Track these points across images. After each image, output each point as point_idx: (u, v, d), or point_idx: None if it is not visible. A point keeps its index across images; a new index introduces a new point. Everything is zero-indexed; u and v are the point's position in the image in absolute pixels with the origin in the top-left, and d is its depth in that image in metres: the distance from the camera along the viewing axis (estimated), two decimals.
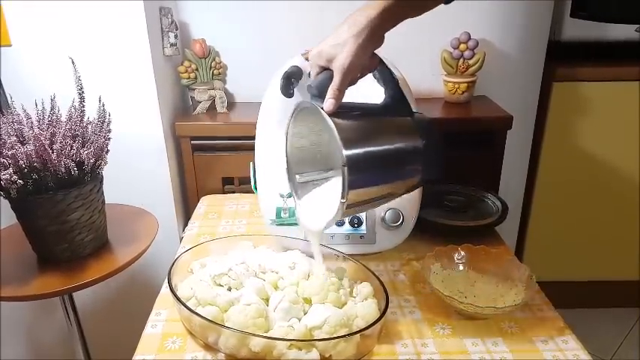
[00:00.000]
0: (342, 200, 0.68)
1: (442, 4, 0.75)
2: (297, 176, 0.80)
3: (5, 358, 1.44)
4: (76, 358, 1.15)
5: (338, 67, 0.68)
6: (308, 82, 0.71)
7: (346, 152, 0.65)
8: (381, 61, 0.75)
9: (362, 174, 0.68)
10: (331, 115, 0.68)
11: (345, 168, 0.65)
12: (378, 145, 0.71)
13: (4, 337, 1.42)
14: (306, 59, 0.98)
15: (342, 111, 0.69)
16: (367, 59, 0.71)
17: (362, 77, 0.74)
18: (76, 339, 1.12)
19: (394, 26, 0.71)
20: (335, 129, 0.66)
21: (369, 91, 0.77)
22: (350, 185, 0.66)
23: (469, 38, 1.34)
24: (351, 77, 0.70)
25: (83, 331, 1.12)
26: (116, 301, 1.42)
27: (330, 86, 0.68)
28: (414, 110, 0.77)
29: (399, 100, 0.76)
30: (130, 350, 0.75)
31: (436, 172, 0.76)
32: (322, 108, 0.68)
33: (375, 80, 0.78)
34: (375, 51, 0.82)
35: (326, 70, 0.71)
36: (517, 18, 1.41)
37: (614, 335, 1.74)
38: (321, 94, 0.69)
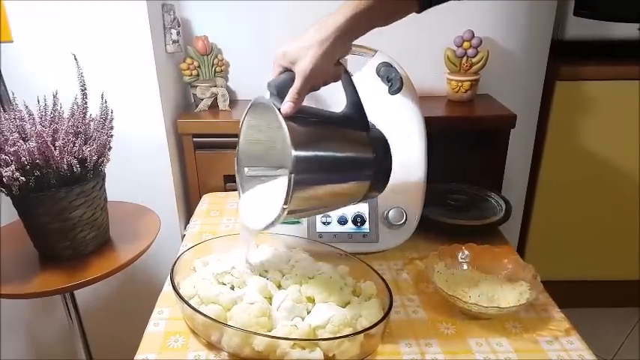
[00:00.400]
0: (285, 206, 0.68)
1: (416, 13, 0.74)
2: (246, 169, 0.80)
3: (6, 357, 1.44)
4: (77, 356, 1.14)
5: (300, 72, 0.68)
6: (270, 81, 0.71)
7: (295, 154, 0.65)
8: (345, 70, 0.74)
9: (308, 181, 0.69)
10: (287, 117, 0.67)
11: (292, 175, 0.66)
12: (328, 154, 0.71)
13: (4, 335, 1.41)
14: None
15: (299, 115, 0.69)
16: (331, 67, 0.71)
17: (325, 85, 0.73)
18: (77, 337, 1.11)
19: (361, 35, 0.70)
20: (288, 133, 0.66)
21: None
22: (294, 191, 0.66)
23: (473, 36, 1.33)
24: (312, 83, 0.69)
25: (84, 330, 1.12)
26: (117, 299, 1.42)
27: (290, 89, 0.68)
28: (370, 125, 0.77)
29: (358, 111, 0.75)
30: (132, 349, 0.75)
31: (382, 187, 0.78)
32: (279, 109, 0.68)
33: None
34: (380, 47, 0.82)
35: (288, 71, 0.70)
36: (520, 16, 1.40)
37: (616, 335, 1.74)
38: (280, 94, 0.69)
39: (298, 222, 0.97)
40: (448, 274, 0.88)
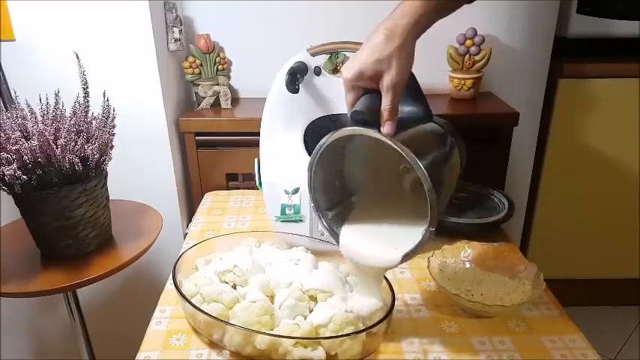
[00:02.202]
0: (432, 229, 0.64)
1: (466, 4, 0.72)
2: (329, 213, 0.75)
3: (7, 356, 1.44)
4: (79, 355, 1.14)
5: (390, 86, 0.62)
6: (355, 107, 0.64)
7: (428, 174, 0.60)
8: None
9: (439, 190, 0.63)
10: (392, 137, 0.62)
11: (434, 192, 0.60)
12: (437, 154, 0.68)
13: (6, 333, 1.42)
14: (312, 55, 0.97)
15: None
16: (411, 68, 0.66)
17: None
18: (79, 336, 1.11)
19: (426, 30, 0.67)
20: (412, 154, 0.60)
21: None
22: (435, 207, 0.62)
23: (475, 34, 1.33)
24: (401, 92, 0.64)
25: (86, 328, 1.12)
26: (119, 297, 1.42)
27: (384, 107, 0.63)
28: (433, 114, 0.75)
29: (424, 103, 0.74)
30: (134, 347, 0.75)
31: (465, 161, 0.77)
32: (378, 132, 0.63)
33: None
34: None
35: (368, 91, 0.65)
36: (523, 14, 1.40)
37: (619, 333, 1.73)
38: (374, 119, 0.63)
39: (301, 220, 0.96)
40: (451, 272, 0.87)
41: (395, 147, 0.62)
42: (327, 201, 0.75)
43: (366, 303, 0.74)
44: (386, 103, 0.63)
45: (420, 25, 0.64)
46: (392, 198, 0.77)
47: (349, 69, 0.64)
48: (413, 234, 0.67)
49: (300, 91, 0.95)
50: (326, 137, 0.67)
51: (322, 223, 0.75)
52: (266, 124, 0.99)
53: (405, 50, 0.63)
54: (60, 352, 1.47)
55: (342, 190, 0.78)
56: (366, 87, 0.65)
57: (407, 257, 0.68)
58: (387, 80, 0.63)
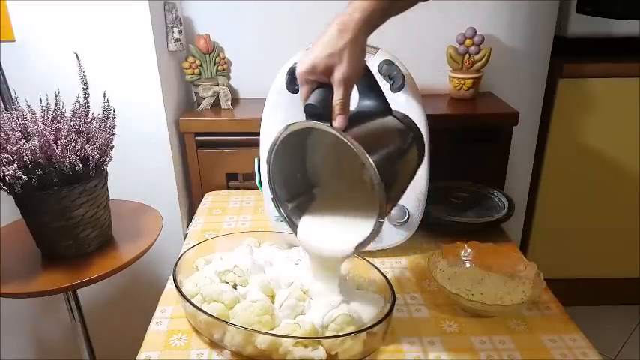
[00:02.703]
0: (381, 221, 0.65)
1: (420, 2, 0.72)
2: (289, 204, 0.76)
3: (8, 356, 1.44)
4: (80, 355, 1.14)
5: (341, 80, 0.63)
6: (308, 100, 0.64)
7: (378, 168, 0.61)
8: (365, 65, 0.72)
9: (390, 183, 0.64)
10: (344, 131, 0.62)
11: (382, 186, 0.61)
12: (390, 149, 0.69)
13: (6, 333, 1.42)
14: None
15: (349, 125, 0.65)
16: (364, 62, 0.67)
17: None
18: (79, 336, 1.12)
19: (379, 27, 0.68)
20: (361, 148, 0.61)
21: None
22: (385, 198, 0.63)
23: (475, 34, 1.33)
24: (353, 86, 0.65)
25: (87, 328, 1.12)
26: (120, 297, 1.42)
27: (337, 101, 0.63)
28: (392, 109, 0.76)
29: (382, 98, 0.74)
30: (135, 347, 0.75)
31: (423, 156, 0.77)
32: (330, 126, 0.63)
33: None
34: (382, 45, 0.81)
35: (320, 84, 0.65)
36: (523, 14, 1.40)
37: (619, 333, 1.74)
38: (326, 112, 0.63)
39: None
40: (451, 271, 0.87)
41: (345, 141, 0.62)
42: (288, 192, 0.76)
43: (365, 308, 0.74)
44: (337, 97, 0.63)
45: (372, 20, 0.65)
46: (353, 190, 0.77)
47: (302, 63, 0.64)
48: (367, 225, 0.68)
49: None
50: (279, 131, 0.68)
51: (280, 213, 0.76)
52: (266, 124, 0.99)
53: (357, 44, 0.63)
54: (60, 352, 1.48)
55: (304, 181, 0.78)
56: (319, 81, 0.65)
57: (359, 248, 0.69)
58: (338, 74, 0.63)
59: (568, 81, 1.51)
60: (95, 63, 1.11)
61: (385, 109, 0.74)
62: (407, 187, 0.74)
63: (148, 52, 1.17)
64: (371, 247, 0.96)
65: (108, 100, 0.98)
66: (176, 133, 1.31)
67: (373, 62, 0.96)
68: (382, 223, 0.65)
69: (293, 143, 0.70)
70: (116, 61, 1.17)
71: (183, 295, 0.75)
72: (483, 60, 1.35)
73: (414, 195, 0.95)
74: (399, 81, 0.90)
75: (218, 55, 1.34)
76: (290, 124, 0.66)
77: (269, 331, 0.69)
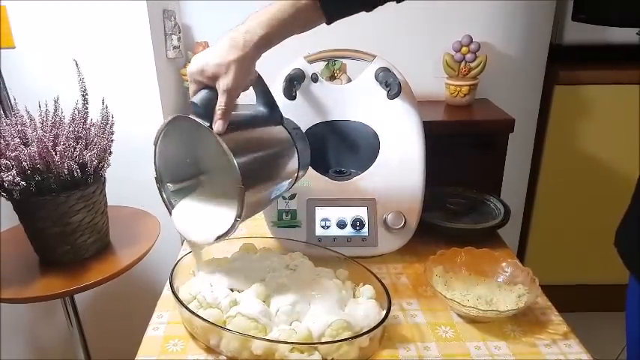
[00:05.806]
0: (238, 218, 0.70)
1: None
2: (170, 185, 0.80)
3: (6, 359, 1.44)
4: (77, 359, 1.15)
5: (225, 90, 0.68)
6: (194, 99, 0.69)
7: (242, 172, 0.67)
8: (258, 74, 0.77)
9: (254, 188, 0.71)
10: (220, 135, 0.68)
11: (243, 189, 0.68)
12: (263, 154, 0.74)
13: (4, 338, 1.42)
14: (309, 62, 0.98)
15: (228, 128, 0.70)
16: (250, 77, 0.73)
17: (243, 91, 0.75)
18: (76, 341, 1.12)
19: (276, 44, 0.73)
20: (229, 150, 0.67)
21: None
22: (246, 201, 0.69)
23: (471, 41, 1.34)
24: (237, 96, 0.70)
25: (84, 333, 1.12)
26: (117, 302, 1.42)
27: (218, 107, 0.68)
28: (284, 117, 0.81)
29: (273, 107, 0.80)
30: (131, 352, 0.75)
31: (307, 168, 0.84)
32: (210, 127, 0.68)
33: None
34: (378, 53, 0.82)
35: (207, 87, 0.70)
36: (519, 21, 1.41)
37: (615, 340, 1.73)
38: (207, 113, 0.69)
39: (298, 226, 0.97)
40: (447, 277, 0.88)
41: (217, 141, 0.67)
42: (175, 174, 0.81)
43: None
44: (220, 103, 0.68)
45: (265, 39, 0.70)
46: (229, 185, 0.80)
47: (194, 63, 0.69)
48: (231, 221, 0.73)
49: (298, 98, 0.96)
50: (165, 121, 0.73)
51: (160, 194, 0.81)
52: None
53: (244, 63, 0.69)
54: (58, 357, 1.47)
55: (193, 166, 0.83)
56: (206, 83, 0.69)
57: (219, 239, 0.75)
58: (222, 84, 0.68)
59: (564, 88, 1.52)
60: (94, 70, 1.12)
61: (275, 117, 0.80)
62: (274, 192, 0.79)
63: (147, 59, 1.17)
64: (367, 252, 0.97)
65: (106, 107, 0.98)
66: None
67: (370, 69, 0.97)
68: (239, 221, 0.71)
69: (187, 130, 0.75)
70: (115, 67, 1.18)
71: (180, 301, 0.75)
72: (479, 67, 1.36)
73: (411, 201, 0.95)
74: (395, 88, 0.91)
75: None
76: (176, 116, 0.72)
77: (265, 337, 0.70)
